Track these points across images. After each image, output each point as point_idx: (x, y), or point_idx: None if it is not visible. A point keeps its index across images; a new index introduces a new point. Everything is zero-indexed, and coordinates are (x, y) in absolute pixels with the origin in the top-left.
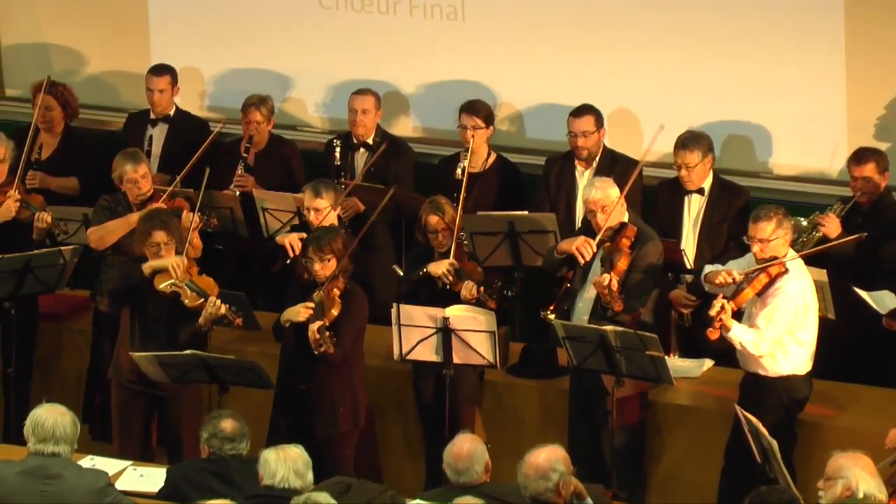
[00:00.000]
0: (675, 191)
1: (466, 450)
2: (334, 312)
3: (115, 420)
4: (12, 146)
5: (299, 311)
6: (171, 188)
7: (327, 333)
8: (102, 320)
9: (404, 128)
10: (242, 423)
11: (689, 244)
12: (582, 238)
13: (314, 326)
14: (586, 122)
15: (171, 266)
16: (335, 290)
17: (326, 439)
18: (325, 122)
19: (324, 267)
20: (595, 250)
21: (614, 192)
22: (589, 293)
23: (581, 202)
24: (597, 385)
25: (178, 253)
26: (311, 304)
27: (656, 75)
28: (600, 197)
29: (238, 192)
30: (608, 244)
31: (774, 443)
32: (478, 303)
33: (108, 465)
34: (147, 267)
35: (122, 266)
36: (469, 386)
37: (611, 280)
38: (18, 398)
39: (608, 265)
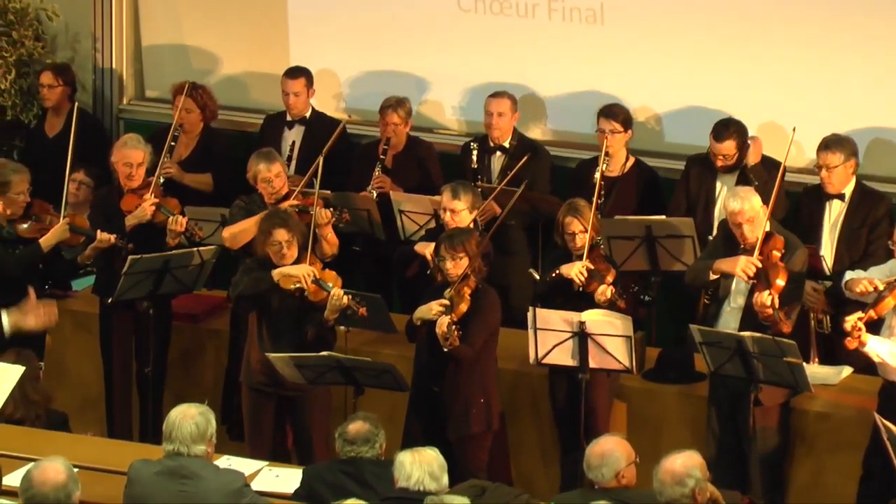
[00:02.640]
0: (816, 197)
1: (603, 449)
2: (463, 308)
3: (246, 422)
4: (150, 150)
5: (431, 308)
6: (301, 185)
7: (454, 328)
8: (240, 321)
9: (541, 131)
10: (371, 428)
11: (827, 250)
12: (744, 259)
13: (442, 321)
14: (727, 147)
15: (302, 277)
16: (466, 288)
17: (459, 441)
18: (461, 125)
19: (455, 266)
20: (760, 267)
21: (758, 201)
22: (735, 304)
23: (720, 205)
24: (740, 391)
25: (301, 249)
26: (445, 301)
27: (798, 80)
28: (747, 208)
29: (376, 194)
30: (759, 258)
31: None
32: (610, 305)
33: (244, 465)
34: (277, 274)
35: (251, 272)
36: (604, 391)
37: (773, 300)
38: (154, 399)
39: (764, 282)
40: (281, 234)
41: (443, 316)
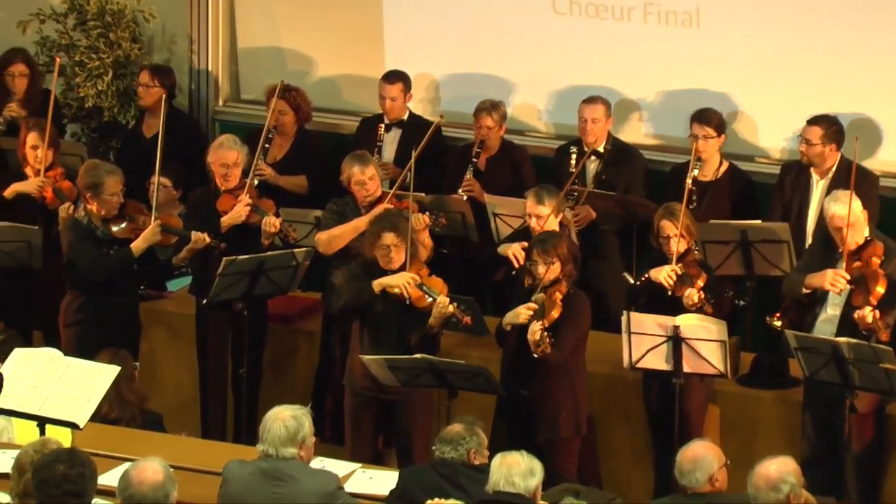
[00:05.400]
0: None
1: (694, 453)
2: (554, 314)
3: (348, 426)
4: (246, 151)
5: (520, 313)
6: (395, 187)
7: (546, 335)
8: (332, 323)
9: (636, 134)
10: (462, 431)
11: None
12: (831, 273)
13: (534, 327)
14: (812, 132)
15: (402, 286)
16: (557, 293)
17: (548, 445)
18: (554, 128)
19: (548, 270)
20: (848, 279)
21: (858, 205)
22: (831, 311)
23: (813, 212)
24: (836, 397)
25: (409, 254)
26: (533, 305)
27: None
28: (848, 212)
29: (465, 197)
30: (857, 263)
31: None
32: (697, 309)
33: (338, 467)
34: (377, 285)
35: (353, 282)
36: (699, 395)
37: (874, 316)
38: (248, 399)
39: (864, 289)
40: (389, 238)
41: (535, 322)
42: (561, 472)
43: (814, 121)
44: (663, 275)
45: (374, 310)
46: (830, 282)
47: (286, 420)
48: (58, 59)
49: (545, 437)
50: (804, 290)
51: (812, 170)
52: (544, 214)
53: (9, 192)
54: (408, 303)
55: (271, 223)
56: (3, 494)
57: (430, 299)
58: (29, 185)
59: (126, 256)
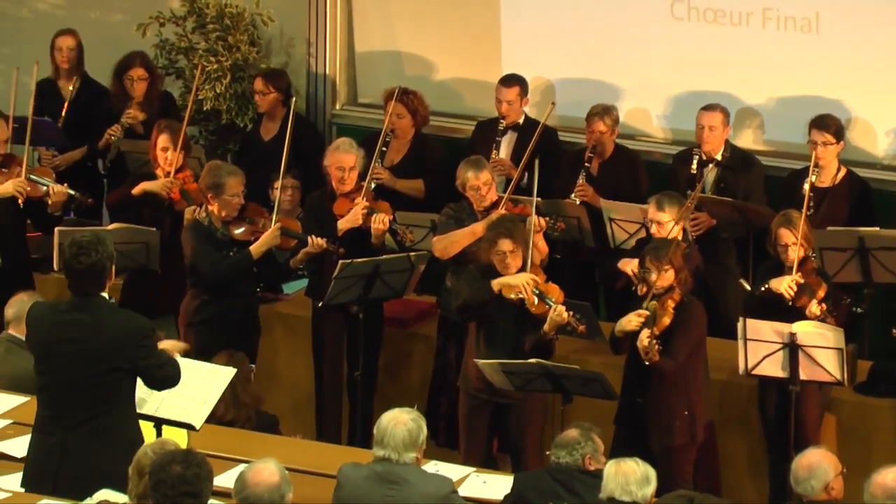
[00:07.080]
0: None
1: (810, 461)
2: (665, 321)
3: (462, 428)
4: (363, 154)
5: (630, 320)
6: (508, 192)
7: (654, 342)
8: (448, 327)
9: (754, 140)
10: (577, 436)
11: None
12: None
13: (643, 335)
14: None
15: (522, 286)
16: (670, 301)
17: (662, 452)
18: (669, 133)
19: (661, 277)
20: None
21: None
22: None
23: None
24: None
25: (524, 259)
26: (643, 312)
27: None
28: None
29: (578, 202)
30: None
31: None
32: (820, 320)
33: (451, 471)
34: (496, 284)
35: (472, 282)
36: (816, 403)
37: None
38: (364, 402)
39: None
40: (506, 244)
41: (644, 330)
42: (676, 480)
43: None
44: (784, 286)
45: (489, 313)
46: None
47: (407, 424)
48: (197, 73)
49: (659, 444)
50: None
51: None
52: (664, 221)
53: (137, 189)
54: (524, 307)
55: (380, 219)
56: (119, 494)
57: (547, 306)
58: (157, 185)
59: (245, 259)
